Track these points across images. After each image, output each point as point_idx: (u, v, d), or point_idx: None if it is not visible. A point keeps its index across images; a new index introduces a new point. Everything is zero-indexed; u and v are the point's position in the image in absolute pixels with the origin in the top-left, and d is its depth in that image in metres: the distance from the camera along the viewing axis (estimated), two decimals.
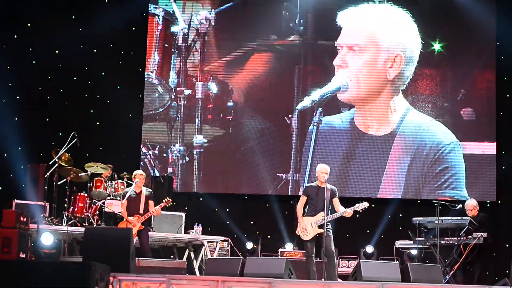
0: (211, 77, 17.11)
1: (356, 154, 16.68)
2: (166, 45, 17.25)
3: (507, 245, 16.20)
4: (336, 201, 11.87)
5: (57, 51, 17.06)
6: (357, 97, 16.76)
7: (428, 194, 16.41)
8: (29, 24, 17.10)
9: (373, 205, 15.85)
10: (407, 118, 16.72)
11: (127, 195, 13.13)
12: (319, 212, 11.70)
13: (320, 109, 16.84)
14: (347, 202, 12.15)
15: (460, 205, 13.67)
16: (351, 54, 16.75)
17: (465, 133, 16.69)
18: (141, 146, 16.83)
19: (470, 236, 12.95)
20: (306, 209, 11.94)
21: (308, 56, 17.10)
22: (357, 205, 11.83)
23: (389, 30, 16.85)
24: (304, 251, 12.08)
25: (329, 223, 11.71)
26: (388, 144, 16.67)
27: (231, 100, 17.07)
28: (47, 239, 13.00)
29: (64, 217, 14.28)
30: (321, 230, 11.62)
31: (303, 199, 11.96)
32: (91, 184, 14.67)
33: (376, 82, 16.76)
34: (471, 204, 13.57)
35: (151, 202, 13.25)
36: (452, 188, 16.49)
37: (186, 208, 15.86)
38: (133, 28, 17.26)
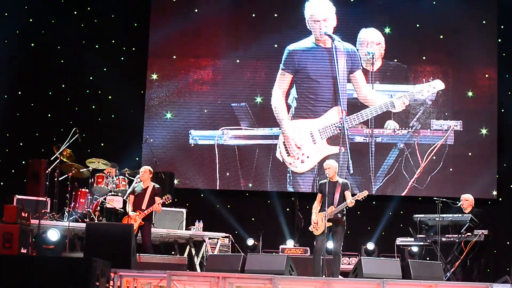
0: (211, 73, 17.14)
1: (360, 151, 16.67)
2: None
3: (508, 243, 16.20)
4: (348, 194, 12.01)
5: (58, 47, 17.09)
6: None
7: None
8: (31, 20, 17.12)
9: (374, 202, 15.87)
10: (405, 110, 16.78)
11: (133, 190, 13.38)
12: (329, 207, 11.85)
13: None
14: None
15: (461, 202, 13.65)
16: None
17: (466, 130, 16.67)
18: (143, 142, 16.82)
19: (470, 234, 12.95)
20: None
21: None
22: (358, 194, 11.97)
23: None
24: (307, 247, 12.12)
25: (344, 216, 11.87)
26: (390, 141, 16.69)
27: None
28: (52, 235, 13.06)
29: (66, 212, 14.30)
30: (330, 224, 11.83)
31: (318, 197, 12.17)
32: (92, 180, 14.66)
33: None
34: (464, 197, 13.61)
35: (157, 199, 13.27)
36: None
37: (187, 204, 15.85)
38: (135, 24, 17.27)
